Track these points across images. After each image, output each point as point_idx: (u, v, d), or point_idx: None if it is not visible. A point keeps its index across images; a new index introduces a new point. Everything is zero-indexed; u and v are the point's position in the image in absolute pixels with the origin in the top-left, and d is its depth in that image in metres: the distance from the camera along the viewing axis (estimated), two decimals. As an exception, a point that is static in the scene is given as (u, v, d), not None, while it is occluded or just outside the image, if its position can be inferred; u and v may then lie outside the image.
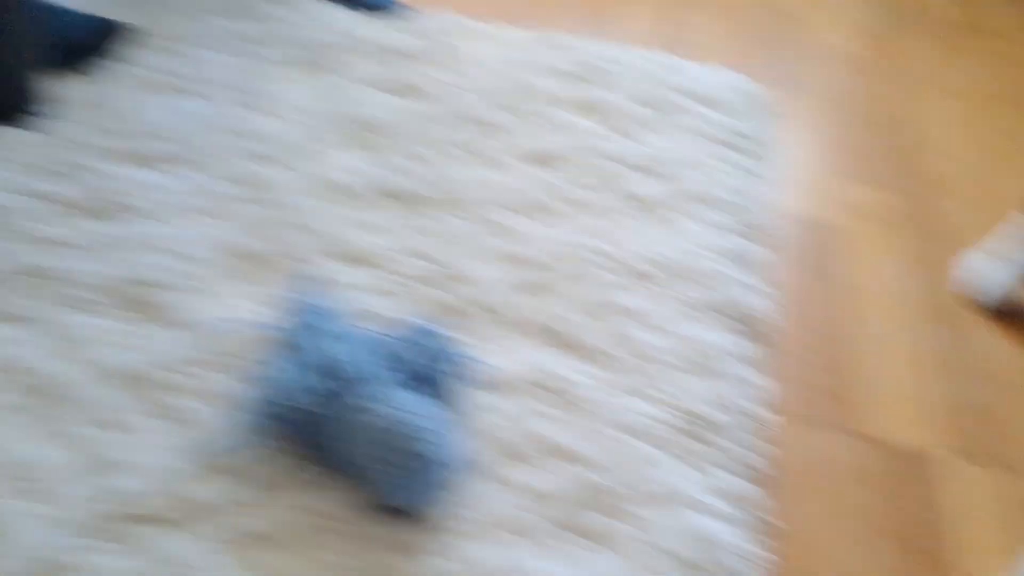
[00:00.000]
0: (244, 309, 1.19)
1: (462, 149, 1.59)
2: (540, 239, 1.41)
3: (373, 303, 1.24)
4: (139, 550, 0.90)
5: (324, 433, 0.97)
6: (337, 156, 1.52)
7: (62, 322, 1.14)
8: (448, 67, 1.82)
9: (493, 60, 1.87)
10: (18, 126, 1.45)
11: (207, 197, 1.38)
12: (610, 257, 1.40)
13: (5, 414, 1.01)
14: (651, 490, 1.05)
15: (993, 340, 1.41)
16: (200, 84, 1.65)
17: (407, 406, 0.93)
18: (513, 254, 1.37)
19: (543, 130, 1.68)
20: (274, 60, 1.75)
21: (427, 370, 1.01)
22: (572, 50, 1.93)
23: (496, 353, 1.19)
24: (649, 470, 1.07)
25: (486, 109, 1.70)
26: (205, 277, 1.23)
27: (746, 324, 1.32)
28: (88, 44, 1.61)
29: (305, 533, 0.94)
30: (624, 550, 0.99)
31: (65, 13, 1.59)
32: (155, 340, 1.12)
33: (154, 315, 1.17)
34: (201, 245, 1.29)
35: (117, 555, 0.89)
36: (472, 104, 1.71)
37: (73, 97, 1.54)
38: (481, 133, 1.64)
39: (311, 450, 0.99)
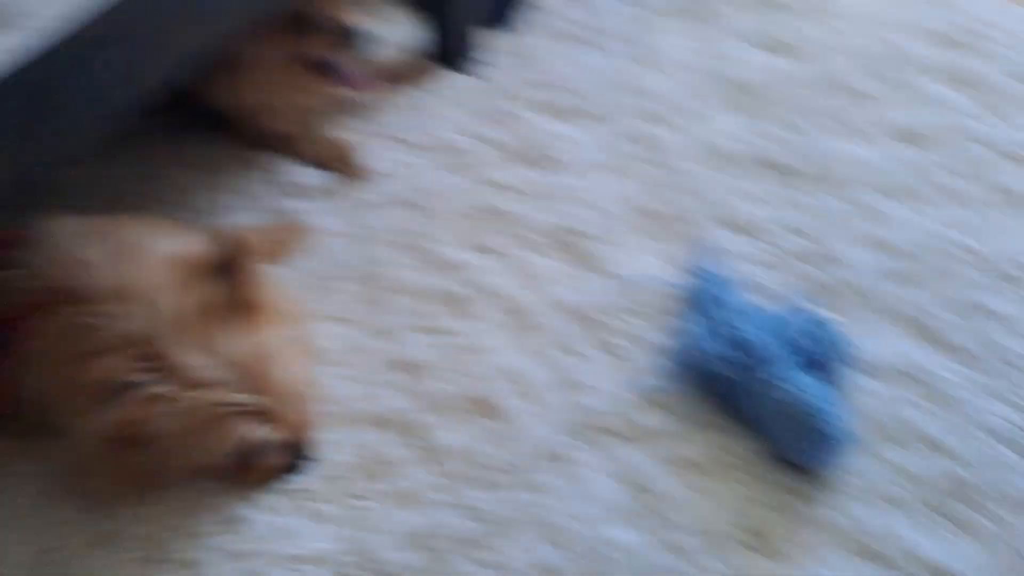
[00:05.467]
0: (653, 266, 1.42)
1: (832, 119, 1.69)
2: (908, 226, 1.50)
3: (756, 274, 1.42)
4: (605, 456, 1.20)
5: (734, 394, 1.22)
6: (717, 119, 1.67)
7: (520, 258, 1.44)
8: (820, 22, 1.88)
9: (865, 15, 1.90)
10: (461, 72, 1.74)
11: (610, 153, 1.61)
12: (977, 255, 1.46)
13: (495, 328, 1.34)
14: (1013, 495, 1.17)
15: None
16: (597, 35, 1.85)
17: (809, 389, 1.16)
18: (882, 240, 1.48)
19: (912, 103, 1.73)
20: (656, 8, 1.90)
21: (821, 357, 1.22)
22: (950, 7, 1.91)
23: (867, 337, 1.33)
24: (1011, 475, 1.19)
25: (855, 75, 1.77)
26: (618, 231, 1.48)
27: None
28: (501, 7, 1.85)
29: (724, 466, 1.20)
30: (985, 544, 1.13)
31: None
32: (590, 285, 1.40)
33: (585, 261, 1.43)
34: (611, 200, 1.52)
35: (591, 455, 1.20)
36: (842, 68, 1.79)
37: (498, 47, 1.80)
38: (851, 102, 1.72)
39: (723, 402, 1.24)
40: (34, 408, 1.10)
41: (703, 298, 1.32)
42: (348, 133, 1.63)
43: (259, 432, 1.06)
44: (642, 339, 1.32)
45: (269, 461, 1.12)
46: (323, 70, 1.54)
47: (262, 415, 1.05)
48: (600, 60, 1.77)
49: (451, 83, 1.71)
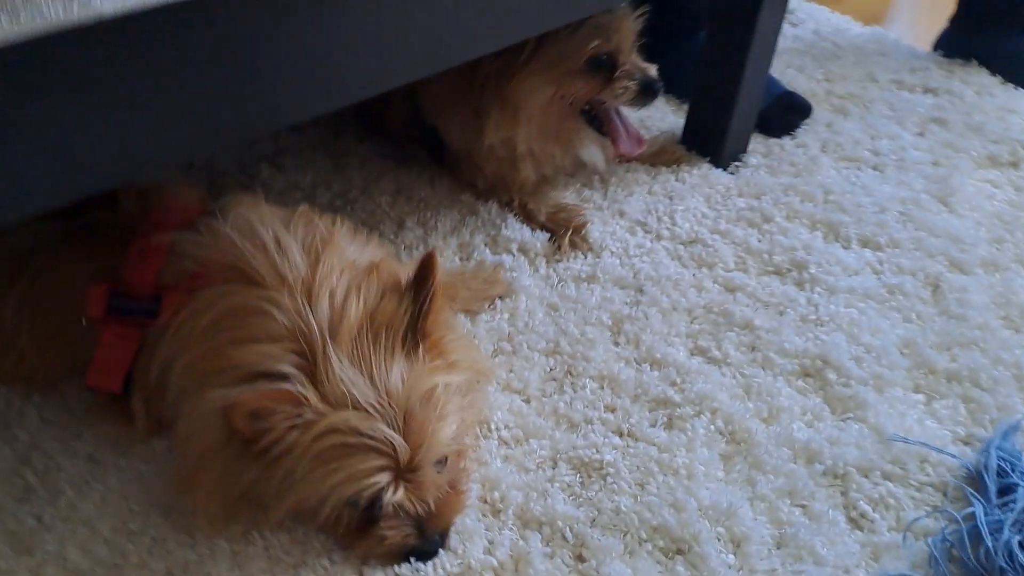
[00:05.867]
0: (928, 428, 1.11)
1: None
2: None
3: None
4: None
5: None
6: (1026, 277, 1.38)
7: (754, 377, 1.17)
8: None
9: None
10: (719, 166, 1.56)
11: (888, 287, 1.32)
12: None
13: (707, 451, 1.06)
14: None
15: None
16: (885, 161, 1.61)
17: None
18: None
19: None
20: (962, 149, 1.65)
21: None
22: None
23: None
24: None
25: None
26: (888, 377, 1.17)
27: None
28: (779, 112, 1.69)
29: None
30: None
31: (769, 81, 1.71)
32: (842, 431, 1.10)
33: (839, 402, 1.14)
34: (884, 340, 1.23)
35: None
36: None
37: (767, 151, 1.62)
38: None
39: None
40: (150, 389, 0.95)
41: (995, 483, 1.00)
42: (583, 201, 1.47)
43: (392, 490, 0.84)
44: (898, 512, 0.99)
45: (393, 533, 0.89)
46: (603, 121, 1.38)
47: (405, 472, 0.84)
48: (884, 186, 1.52)
49: (705, 174, 1.52)
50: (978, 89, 1.82)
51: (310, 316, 0.86)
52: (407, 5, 0.89)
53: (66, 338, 1.02)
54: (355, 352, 0.86)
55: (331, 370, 0.83)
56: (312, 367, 0.84)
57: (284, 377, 0.83)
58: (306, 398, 0.81)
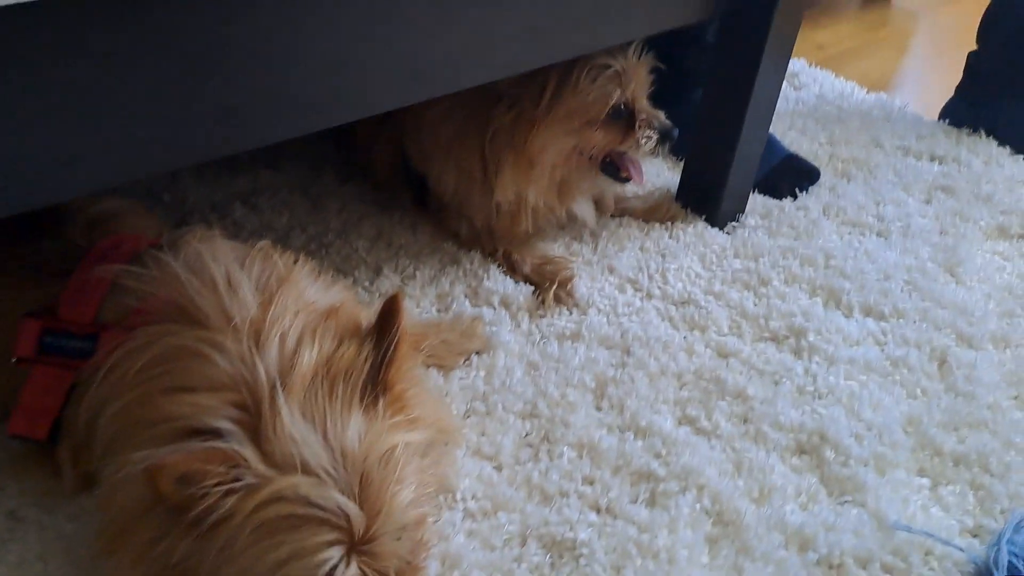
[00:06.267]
0: (932, 515, 1.01)
1: None
2: None
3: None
4: None
5: None
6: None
7: (745, 452, 1.07)
8: None
9: None
10: (715, 225, 1.49)
11: (891, 359, 1.24)
12: None
13: (691, 532, 0.96)
14: None
15: None
16: (881, 223, 1.55)
17: None
18: None
19: None
20: (970, 218, 1.59)
21: None
22: None
23: None
24: None
25: None
26: (890, 458, 1.08)
27: None
28: (784, 175, 1.64)
29: None
30: None
31: (774, 144, 1.67)
32: (838, 516, 1.00)
33: (836, 483, 1.04)
34: (886, 418, 1.14)
35: None
36: None
37: (767, 213, 1.55)
38: None
39: None
40: (78, 439, 0.85)
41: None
42: (571, 254, 1.40)
43: (345, 566, 0.73)
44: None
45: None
46: (618, 165, 1.32)
47: (359, 544, 0.74)
48: (889, 253, 1.45)
49: (700, 233, 1.45)
50: (986, 159, 1.76)
51: (257, 362, 0.77)
52: (387, 20, 0.84)
53: (-6, 377, 0.94)
54: (307, 405, 0.76)
55: (279, 426, 0.74)
56: (256, 422, 0.74)
57: (220, 434, 0.74)
58: (244, 459, 0.72)
